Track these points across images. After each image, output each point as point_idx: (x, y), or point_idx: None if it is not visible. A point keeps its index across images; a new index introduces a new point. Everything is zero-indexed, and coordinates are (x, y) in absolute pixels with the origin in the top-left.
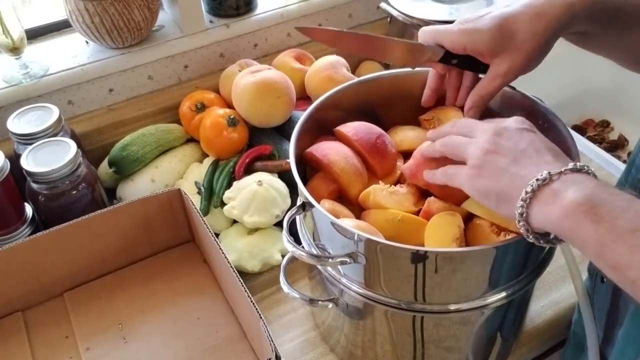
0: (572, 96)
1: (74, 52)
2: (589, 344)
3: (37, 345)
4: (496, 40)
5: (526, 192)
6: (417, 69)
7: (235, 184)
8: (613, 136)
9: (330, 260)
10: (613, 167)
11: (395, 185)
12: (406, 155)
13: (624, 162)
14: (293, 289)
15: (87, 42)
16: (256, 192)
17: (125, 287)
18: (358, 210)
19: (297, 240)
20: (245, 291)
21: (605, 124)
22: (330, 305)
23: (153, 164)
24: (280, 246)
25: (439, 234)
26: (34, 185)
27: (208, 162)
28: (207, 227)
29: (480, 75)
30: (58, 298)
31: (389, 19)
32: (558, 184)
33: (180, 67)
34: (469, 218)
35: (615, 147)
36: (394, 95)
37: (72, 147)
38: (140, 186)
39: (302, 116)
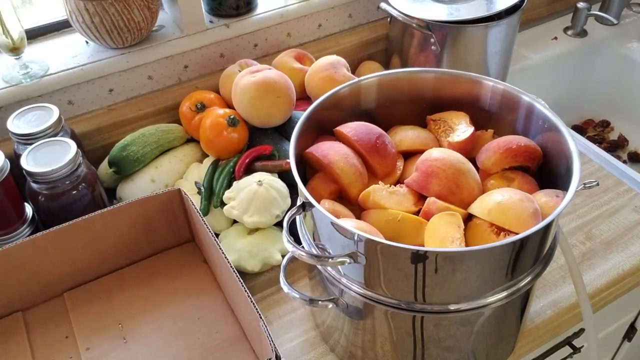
0: (572, 96)
1: (74, 52)
2: (589, 344)
3: (37, 345)
4: None
5: None
6: (415, 69)
7: (235, 184)
8: (613, 136)
9: (330, 260)
10: (613, 167)
11: (395, 185)
12: (406, 155)
13: (624, 162)
14: (293, 289)
15: (87, 42)
16: (256, 192)
17: (125, 287)
18: (358, 210)
19: (297, 240)
20: (245, 291)
21: (605, 124)
22: (330, 305)
23: (153, 164)
24: (280, 246)
25: (439, 234)
26: (34, 185)
27: (208, 162)
28: (207, 227)
29: None
30: (58, 298)
31: (389, 19)
32: None
33: (180, 67)
34: (469, 218)
35: (615, 147)
36: (394, 95)
37: (72, 147)
38: (140, 186)
39: (302, 116)
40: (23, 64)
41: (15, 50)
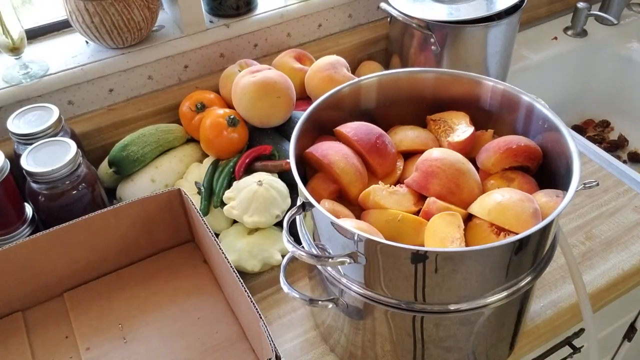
0: (572, 96)
1: (74, 52)
2: (589, 344)
3: (37, 345)
4: None
5: None
6: (415, 69)
7: (235, 184)
8: (613, 136)
9: (330, 260)
10: (613, 167)
11: (395, 185)
12: (406, 155)
13: (624, 162)
14: (293, 289)
15: (87, 42)
16: (256, 192)
17: (125, 287)
18: (358, 210)
19: (297, 240)
20: (245, 291)
21: (605, 124)
22: (330, 305)
23: (153, 164)
24: (280, 246)
25: (439, 234)
26: (34, 185)
27: (208, 162)
28: (207, 227)
29: None
30: (58, 298)
31: (389, 19)
32: None
33: (180, 67)
34: (469, 218)
35: (615, 147)
36: (394, 95)
37: (72, 147)
38: (140, 186)
39: (302, 116)
40: (23, 64)
41: (15, 50)
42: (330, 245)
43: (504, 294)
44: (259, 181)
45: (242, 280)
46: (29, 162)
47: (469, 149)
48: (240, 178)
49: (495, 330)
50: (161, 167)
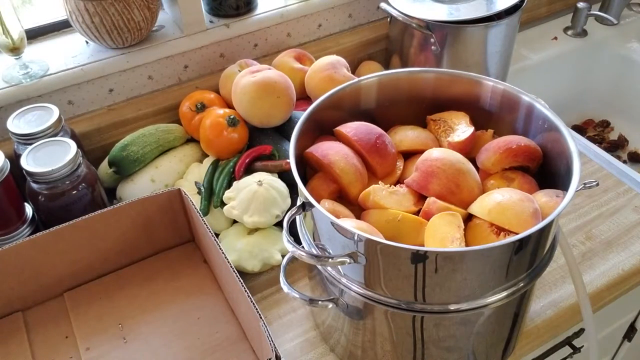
0: (572, 96)
1: (74, 52)
2: (589, 344)
3: (37, 345)
4: None
5: None
6: (415, 69)
7: (235, 184)
8: (613, 136)
9: (330, 260)
10: (613, 167)
11: (395, 185)
12: (406, 155)
13: (624, 162)
14: (293, 289)
15: (87, 42)
16: (256, 192)
17: (125, 287)
18: (358, 210)
19: (297, 240)
20: (245, 291)
21: (605, 124)
22: (330, 305)
23: (153, 164)
24: (280, 246)
25: (439, 234)
26: (34, 185)
27: (208, 162)
28: (207, 227)
29: None
30: (58, 298)
31: (389, 19)
32: None
33: (180, 67)
34: (469, 218)
35: (615, 147)
36: (394, 95)
37: (72, 147)
38: (140, 186)
39: (302, 116)
40: (23, 64)
41: (15, 50)
42: (330, 245)
43: (504, 294)
44: (259, 181)
45: (242, 280)
46: (29, 162)
47: (469, 149)
48: (240, 178)
49: (495, 330)
50: (161, 167)
